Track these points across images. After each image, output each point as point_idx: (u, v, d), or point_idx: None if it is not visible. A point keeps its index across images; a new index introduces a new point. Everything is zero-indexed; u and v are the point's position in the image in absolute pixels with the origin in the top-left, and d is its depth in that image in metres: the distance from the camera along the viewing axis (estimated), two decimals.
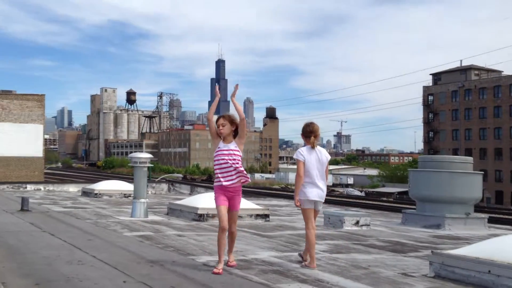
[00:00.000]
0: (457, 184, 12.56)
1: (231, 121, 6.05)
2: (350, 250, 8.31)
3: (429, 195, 12.77)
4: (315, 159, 6.56)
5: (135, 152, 12.14)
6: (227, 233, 6.09)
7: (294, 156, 6.82)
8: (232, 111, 6.36)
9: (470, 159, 13.51)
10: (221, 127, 6.03)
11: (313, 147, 6.59)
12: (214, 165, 6.11)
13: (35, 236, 8.45)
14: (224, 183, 5.98)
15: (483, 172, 14.68)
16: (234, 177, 6.00)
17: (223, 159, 6.01)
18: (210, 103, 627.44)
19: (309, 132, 6.60)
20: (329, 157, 6.75)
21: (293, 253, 7.73)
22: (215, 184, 6.15)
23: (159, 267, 6.15)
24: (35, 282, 5.14)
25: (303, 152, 6.58)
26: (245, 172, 6.07)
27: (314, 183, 6.53)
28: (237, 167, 5.98)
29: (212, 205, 11.70)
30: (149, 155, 12.23)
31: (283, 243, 8.79)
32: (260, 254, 7.45)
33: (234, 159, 6.00)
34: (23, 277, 5.36)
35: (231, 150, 6.03)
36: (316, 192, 6.53)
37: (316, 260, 7.13)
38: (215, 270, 5.89)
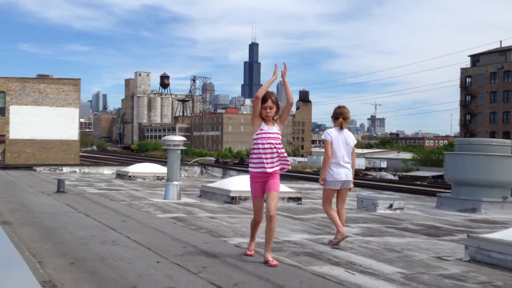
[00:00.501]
0: (495, 167, 12.27)
1: (277, 104, 5.61)
2: (383, 234, 8.22)
3: (465, 178, 12.52)
4: (342, 141, 6.71)
5: (168, 135, 12.23)
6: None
7: (322, 137, 6.89)
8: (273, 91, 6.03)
9: (508, 141, 13.16)
10: (268, 110, 5.49)
11: (341, 129, 6.74)
12: (256, 148, 5.51)
13: (71, 216, 8.62)
14: (269, 170, 5.42)
15: None
16: (277, 163, 5.49)
17: (270, 143, 5.46)
18: (243, 86, 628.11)
19: (339, 114, 6.78)
20: (355, 141, 6.89)
21: (325, 236, 7.69)
22: (253, 170, 5.53)
23: (191, 248, 6.20)
24: (70, 262, 5.24)
25: (331, 133, 6.71)
26: (287, 158, 5.60)
27: (340, 163, 6.69)
28: (282, 153, 5.50)
29: (244, 187, 11.79)
30: (183, 138, 12.30)
31: (315, 226, 8.76)
32: (292, 237, 7.44)
33: (280, 143, 5.54)
34: (59, 257, 5.47)
35: (276, 133, 5.54)
36: (344, 172, 6.70)
37: (349, 243, 7.10)
38: (247, 252, 5.85)
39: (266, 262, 5.40)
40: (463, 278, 5.28)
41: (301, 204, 12.43)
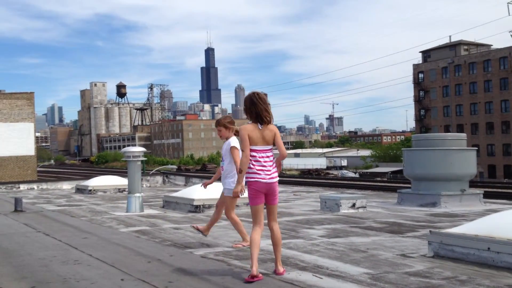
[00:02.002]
0: (452, 161, 12.54)
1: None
2: (348, 234, 8.28)
3: (424, 173, 12.76)
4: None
5: (128, 145, 12.02)
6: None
7: (233, 144, 6.98)
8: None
9: (463, 135, 13.49)
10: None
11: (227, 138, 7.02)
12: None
13: (30, 237, 8.36)
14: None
15: (476, 148, 14.67)
16: None
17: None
18: (201, 92, 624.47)
19: (231, 123, 7.04)
20: None
21: (291, 240, 7.69)
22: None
23: (157, 262, 6.09)
24: (31, 285, 5.07)
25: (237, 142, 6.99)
26: None
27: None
28: None
29: (208, 195, 11.69)
30: (142, 149, 12.12)
31: (280, 231, 8.72)
32: None
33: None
34: (19, 281, 5.28)
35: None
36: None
37: (315, 245, 7.12)
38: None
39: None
40: (428, 275, 5.35)
41: (265, 208, 12.38)
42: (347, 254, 6.53)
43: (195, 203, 11.65)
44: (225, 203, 7.15)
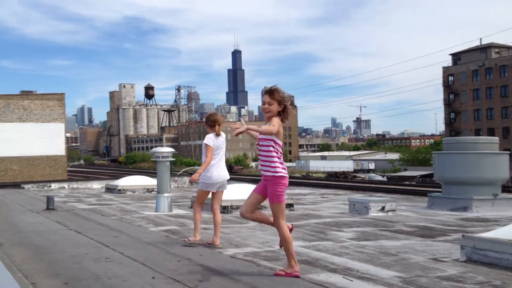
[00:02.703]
0: (484, 165, 12.33)
1: (278, 100, 5.22)
2: (378, 237, 8.20)
3: (455, 177, 12.57)
4: (221, 146, 7.34)
5: (156, 146, 12.14)
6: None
7: (205, 141, 7.26)
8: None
9: (495, 139, 13.25)
10: (267, 105, 5.21)
11: (218, 135, 7.31)
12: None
13: (62, 234, 8.50)
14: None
15: (509, 152, 14.38)
16: None
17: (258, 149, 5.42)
18: (228, 94, 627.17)
19: (214, 121, 7.32)
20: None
21: (320, 242, 7.66)
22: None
23: (186, 261, 6.12)
24: (64, 282, 5.15)
25: (212, 139, 7.23)
26: None
27: (220, 167, 7.29)
28: None
29: (236, 196, 11.72)
30: (171, 149, 12.22)
31: (309, 232, 8.72)
32: None
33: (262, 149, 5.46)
34: (52, 277, 5.37)
35: (261, 139, 5.45)
36: (222, 174, 7.32)
37: (345, 248, 7.08)
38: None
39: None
40: (461, 279, 5.27)
41: (293, 210, 12.39)
42: (377, 257, 6.47)
43: (223, 204, 11.66)
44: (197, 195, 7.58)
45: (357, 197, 12.51)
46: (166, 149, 12.06)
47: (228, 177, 7.47)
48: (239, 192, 11.75)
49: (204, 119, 7.57)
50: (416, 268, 5.83)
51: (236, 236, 8.22)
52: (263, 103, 5.16)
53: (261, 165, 5.36)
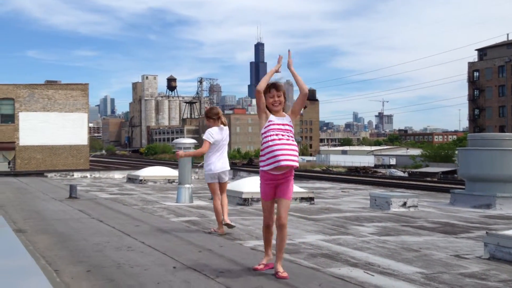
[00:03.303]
0: (509, 162, 12.14)
1: (284, 93, 5.03)
2: (399, 232, 8.13)
3: (479, 174, 12.40)
4: (224, 138, 7.52)
5: (177, 138, 12.22)
6: (273, 227, 5.18)
7: (205, 137, 7.44)
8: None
9: None
10: (276, 98, 4.94)
11: (225, 124, 7.58)
12: (265, 142, 4.89)
13: (85, 223, 8.60)
14: (284, 163, 4.77)
15: None
16: (292, 158, 4.87)
17: (281, 134, 4.86)
18: (249, 87, 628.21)
19: (215, 114, 7.54)
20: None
21: (341, 236, 7.62)
22: (264, 168, 4.92)
23: (207, 252, 6.15)
24: (87, 269, 5.20)
25: (214, 133, 7.44)
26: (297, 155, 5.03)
27: (220, 157, 7.47)
28: (294, 149, 4.90)
29: (257, 189, 11.71)
30: (193, 140, 12.26)
31: (330, 226, 8.68)
32: (307, 238, 7.37)
33: (292, 137, 4.95)
34: (75, 264, 5.44)
35: (288, 125, 4.93)
36: (221, 165, 7.46)
37: (366, 243, 7.03)
38: (256, 266, 5.25)
39: (276, 274, 4.94)
40: (484, 277, 5.20)
41: (313, 204, 12.36)
42: (398, 252, 6.42)
43: (244, 196, 11.70)
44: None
45: (379, 192, 12.42)
46: (188, 140, 12.11)
47: (228, 168, 7.64)
48: (259, 185, 11.76)
49: (205, 114, 7.74)
50: (438, 264, 5.76)
51: (256, 228, 8.22)
52: (272, 97, 4.93)
53: (287, 154, 4.82)
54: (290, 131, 4.92)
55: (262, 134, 4.94)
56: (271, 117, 4.92)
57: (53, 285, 4.31)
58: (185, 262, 5.51)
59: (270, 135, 4.86)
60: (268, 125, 4.90)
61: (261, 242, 6.89)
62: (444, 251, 6.60)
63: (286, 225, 5.01)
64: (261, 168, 4.99)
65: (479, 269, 5.55)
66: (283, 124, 4.89)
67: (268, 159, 4.86)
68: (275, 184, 4.95)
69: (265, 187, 5.02)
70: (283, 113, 5.01)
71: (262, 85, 4.94)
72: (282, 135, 4.84)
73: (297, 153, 4.91)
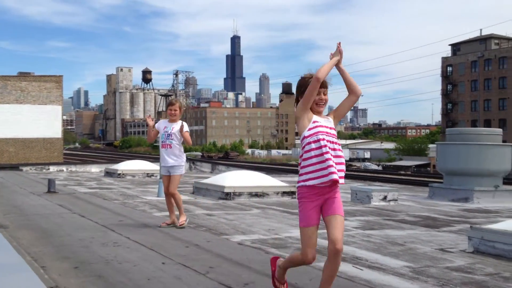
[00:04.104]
0: (486, 157, 12.36)
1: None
2: (383, 226, 8.22)
3: (457, 168, 12.61)
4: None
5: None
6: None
7: (187, 129, 7.62)
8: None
9: (498, 130, 13.29)
10: (323, 96, 3.82)
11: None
12: (313, 150, 3.67)
13: (66, 218, 8.48)
14: (335, 176, 3.58)
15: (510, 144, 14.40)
16: (341, 170, 3.71)
17: (329, 142, 3.69)
18: (225, 80, 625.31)
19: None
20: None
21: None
22: (310, 182, 3.67)
23: (194, 247, 6.12)
24: (74, 265, 5.14)
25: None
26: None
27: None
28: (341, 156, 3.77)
29: (238, 183, 11.72)
30: None
31: None
32: (293, 232, 7.39)
33: (339, 144, 3.84)
34: (62, 261, 5.36)
35: (334, 130, 3.80)
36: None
37: (351, 237, 7.08)
38: None
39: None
40: (470, 270, 5.29)
41: (295, 198, 12.37)
42: (384, 246, 6.49)
43: (226, 190, 11.68)
44: (176, 181, 7.60)
45: (360, 186, 12.53)
46: None
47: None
48: (243, 180, 11.78)
49: (180, 106, 7.78)
50: (425, 258, 5.84)
51: (241, 223, 8.22)
52: (319, 93, 3.77)
53: (334, 163, 3.66)
54: (336, 136, 3.84)
55: (306, 137, 3.75)
56: (315, 117, 3.79)
57: (42, 282, 4.24)
58: (174, 258, 5.48)
59: (319, 140, 3.68)
60: (315, 127, 3.75)
61: (248, 237, 6.90)
62: (428, 245, 6.69)
63: (342, 251, 3.79)
64: (303, 183, 3.73)
65: (465, 262, 5.64)
66: (330, 128, 3.78)
67: (315, 171, 3.66)
68: (321, 201, 3.72)
69: (308, 206, 3.73)
70: (324, 115, 3.92)
71: (324, 72, 3.74)
72: (332, 142, 3.73)
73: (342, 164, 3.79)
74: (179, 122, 7.53)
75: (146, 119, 8.09)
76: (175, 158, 7.54)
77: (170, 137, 7.49)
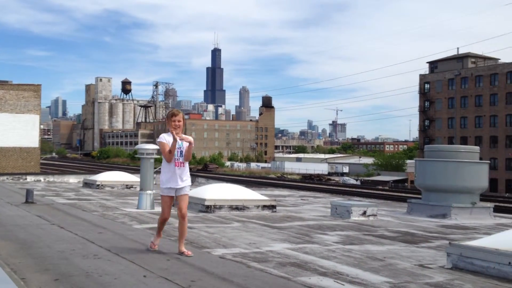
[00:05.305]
0: (463, 174, 12.55)
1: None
2: (362, 241, 8.29)
3: (435, 184, 12.77)
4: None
5: (131, 142, 12.07)
6: None
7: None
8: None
9: (476, 148, 13.51)
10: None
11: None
12: None
13: (45, 229, 8.38)
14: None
15: (489, 162, 14.67)
16: None
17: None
18: (205, 92, 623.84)
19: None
20: None
21: (306, 244, 7.71)
22: None
23: (176, 260, 6.10)
24: (55, 278, 5.08)
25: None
26: None
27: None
28: None
29: (219, 196, 11.72)
30: (156, 146, 12.11)
31: (294, 235, 8.76)
32: (274, 246, 7.42)
33: None
34: (42, 273, 5.30)
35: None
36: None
37: (331, 252, 7.13)
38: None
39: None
40: (449, 286, 5.36)
41: (275, 212, 12.42)
42: (364, 261, 6.54)
43: (206, 203, 11.66)
44: (187, 200, 6.92)
45: (339, 201, 12.61)
46: (150, 146, 11.99)
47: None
48: (224, 193, 11.78)
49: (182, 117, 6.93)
50: (404, 274, 5.91)
51: (222, 236, 8.22)
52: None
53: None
54: None
55: None
56: None
57: None
58: (155, 271, 5.45)
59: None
60: None
61: (229, 251, 6.90)
62: (408, 260, 6.77)
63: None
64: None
65: (444, 278, 5.72)
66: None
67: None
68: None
69: None
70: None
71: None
72: None
73: None
74: (184, 137, 6.76)
75: (172, 131, 6.73)
76: (186, 177, 6.72)
77: (182, 155, 6.70)
